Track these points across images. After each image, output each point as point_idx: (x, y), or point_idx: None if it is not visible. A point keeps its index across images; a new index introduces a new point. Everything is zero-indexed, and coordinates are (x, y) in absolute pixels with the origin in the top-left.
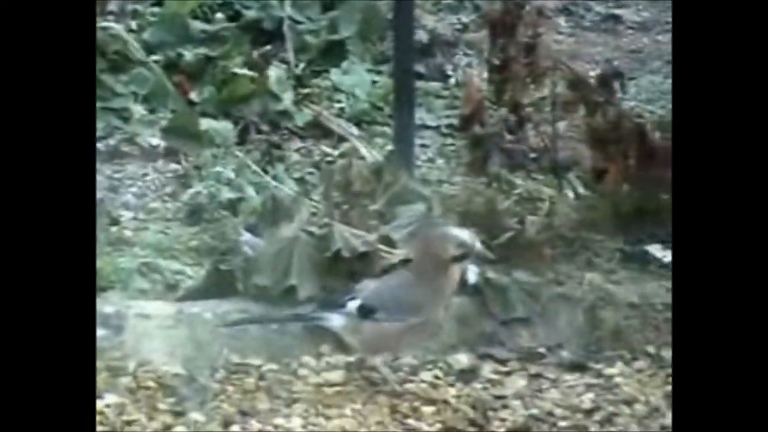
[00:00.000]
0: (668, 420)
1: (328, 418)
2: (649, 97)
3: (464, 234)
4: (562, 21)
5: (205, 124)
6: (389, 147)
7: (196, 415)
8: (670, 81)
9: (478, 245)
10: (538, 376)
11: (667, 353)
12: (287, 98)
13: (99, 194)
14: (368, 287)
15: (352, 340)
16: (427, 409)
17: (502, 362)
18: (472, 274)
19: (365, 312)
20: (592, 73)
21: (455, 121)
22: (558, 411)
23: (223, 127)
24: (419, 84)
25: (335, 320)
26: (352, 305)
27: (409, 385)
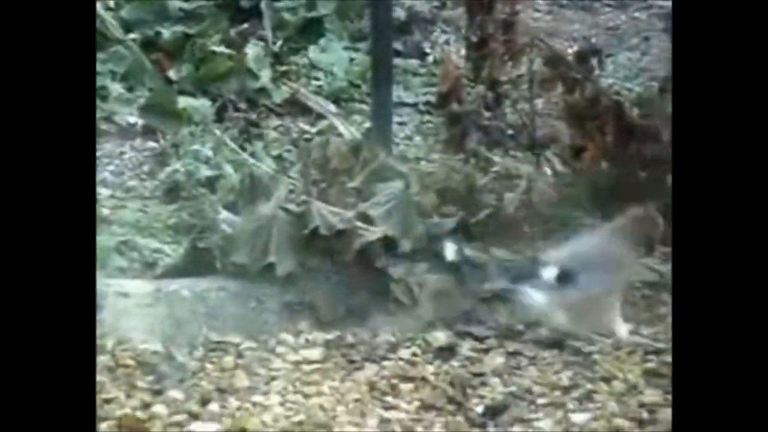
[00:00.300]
0: (646, 397)
1: (306, 395)
2: (626, 74)
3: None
4: None
5: (183, 102)
6: (367, 124)
7: (174, 393)
8: (647, 58)
9: None
10: (516, 353)
11: (646, 330)
12: (265, 76)
13: None
14: (559, 254)
15: (557, 316)
16: (406, 387)
17: (481, 340)
18: (450, 251)
19: (565, 277)
20: (569, 50)
21: (433, 99)
22: (536, 388)
23: (201, 104)
24: (397, 61)
25: (535, 296)
26: (549, 273)
27: (387, 363)
